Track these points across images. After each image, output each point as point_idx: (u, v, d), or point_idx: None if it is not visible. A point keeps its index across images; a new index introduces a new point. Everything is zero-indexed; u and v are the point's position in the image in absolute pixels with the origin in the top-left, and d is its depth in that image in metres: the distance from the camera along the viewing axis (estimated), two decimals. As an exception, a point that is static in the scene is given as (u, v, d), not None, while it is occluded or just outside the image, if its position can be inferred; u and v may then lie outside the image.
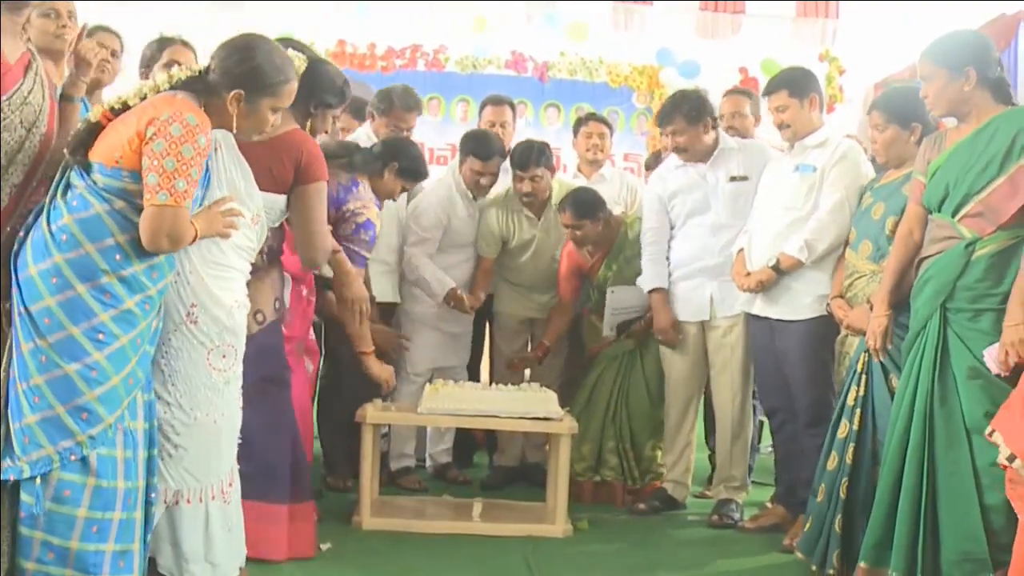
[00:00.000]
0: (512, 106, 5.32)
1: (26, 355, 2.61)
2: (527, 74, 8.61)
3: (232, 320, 2.91)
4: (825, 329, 3.88)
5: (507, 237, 4.82)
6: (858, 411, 3.46)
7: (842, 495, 3.44)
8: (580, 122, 5.30)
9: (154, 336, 2.77)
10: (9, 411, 2.64)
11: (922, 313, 3.17)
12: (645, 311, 4.55)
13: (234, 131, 2.85)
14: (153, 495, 2.79)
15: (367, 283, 4.11)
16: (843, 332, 3.78)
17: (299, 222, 3.28)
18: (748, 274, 4.06)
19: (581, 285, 4.79)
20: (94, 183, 2.65)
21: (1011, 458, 2.75)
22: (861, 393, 3.47)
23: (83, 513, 2.62)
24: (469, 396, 4.12)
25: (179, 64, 3.37)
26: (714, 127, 4.36)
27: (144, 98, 2.74)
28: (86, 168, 2.67)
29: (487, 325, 5.12)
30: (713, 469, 4.67)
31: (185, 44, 3.97)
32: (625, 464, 4.60)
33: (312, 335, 4.08)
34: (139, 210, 2.62)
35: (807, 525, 3.60)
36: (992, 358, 2.98)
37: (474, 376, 5.01)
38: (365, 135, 4.82)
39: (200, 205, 2.78)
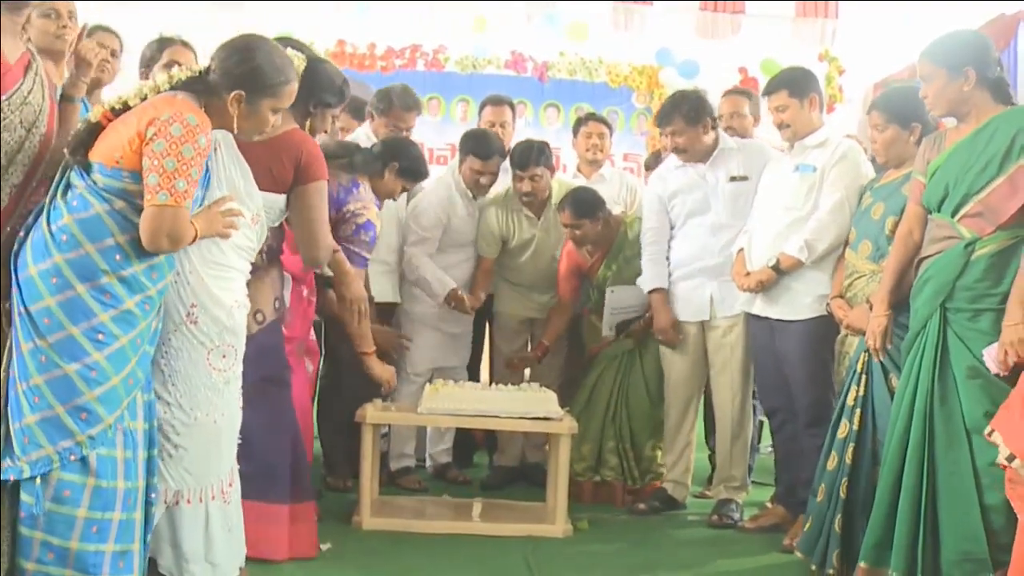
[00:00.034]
0: (512, 106, 5.32)
1: (26, 355, 2.61)
2: (527, 74, 8.61)
3: (232, 320, 2.91)
4: (825, 329, 3.88)
5: (507, 237, 4.82)
6: (858, 411, 3.46)
7: (842, 495, 3.44)
8: (580, 122, 5.30)
9: (154, 336, 2.77)
10: (9, 411, 2.63)
11: (922, 313, 3.17)
12: (644, 311, 4.55)
13: (235, 132, 2.86)
14: (153, 495, 2.79)
15: (366, 284, 4.11)
16: (843, 332, 3.78)
17: (300, 222, 3.28)
18: (748, 274, 4.06)
19: (581, 285, 4.79)
20: (94, 183, 2.65)
21: (1010, 458, 2.75)
22: (861, 393, 3.47)
23: (83, 513, 2.62)
24: (469, 396, 4.12)
25: (179, 64, 3.37)
26: (713, 127, 4.37)
27: (144, 98, 2.74)
28: (86, 168, 2.68)
29: (487, 325, 5.12)
30: (713, 469, 4.67)
31: (185, 44, 3.97)
32: (625, 464, 4.60)
33: (312, 335, 4.08)
34: (139, 210, 2.62)
35: (807, 525, 3.60)
36: (991, 357, 2.98)
37: (474, 376, 5.01)
38: (364, 135, 4.82)
39: (200, 205, 2.78)
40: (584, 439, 4.52)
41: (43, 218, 2.66)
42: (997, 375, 2.97)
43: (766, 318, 4.07)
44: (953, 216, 3.13)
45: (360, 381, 4.21)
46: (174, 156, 2.59)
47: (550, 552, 3.80)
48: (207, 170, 2.80)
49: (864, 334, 3.46)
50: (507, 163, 4.78)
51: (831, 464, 3.53)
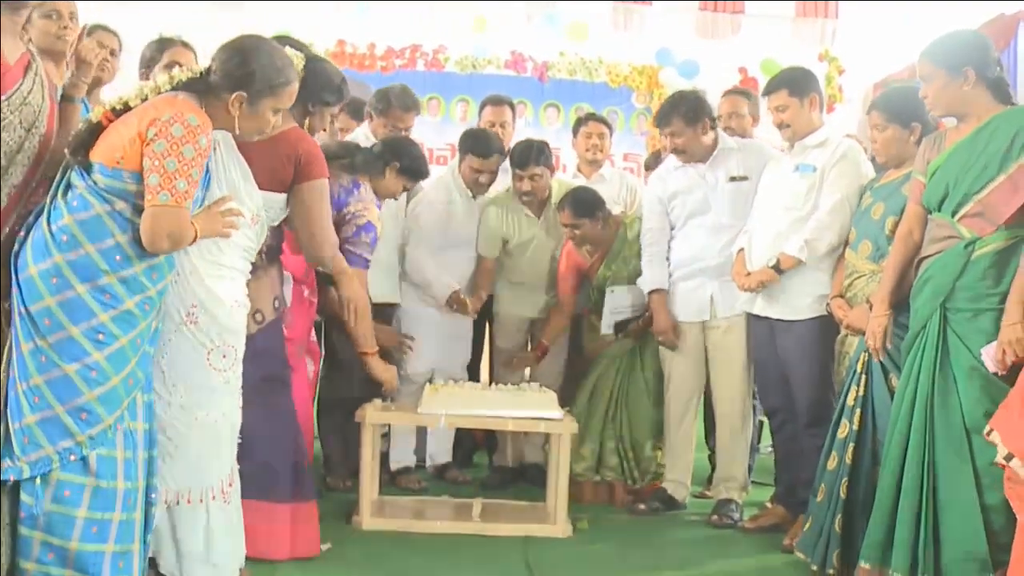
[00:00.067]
0: (512, 106, 5.32)
1: (26, 355, 2.61)
2: (527, 74, 8.61)
3: (232, 320, 2.92)
4: (825, 329, 3.88)
5: (507, 236, 4.81)
6: (858, 411, 3.46)
7: (842, 495, 3.44)
8: (580, 122, 5.30)
9: (154, 336, 2.77)
10: (9, 411, 2.64)
11: (922, 313, 3.17)
12: (643, 311, 4.55)
13: (236, 133, 2.86)
14: (153, 496, 2.80)
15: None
16: (843, 332, 3.78)
17: (302, 220, 3.27)
18: (748, 274, 4.06)
19: (580, 285, 4.79)
20: (95, 183, 2.65)
21: (1008, 457, 2.76)
22: (861, 393, 3.47)
23: (83, 513, 2.63)
24: (469, 396, 4.12)
25: (180, 65, 3.37)
26: (712, 128, 4.37)
27: (145, 99, 2.74)
28: (87, 168, 2.68)
29: (487, 325, 5.12)
30: (713, 469, 4.67)
31: (185, 45, 3.97)
32: (625, 464, 4.60)
33: (314, 335, 4.08)
34: (140, 211, 2.63)
35: (807, 525, 3.61)
36: (989, 357, 2.98)
37: (474, 376, 5.01)
38: (363, 135, 4.82)
39: (200, 206, 2.79)
40: (584, 439, 4.52)
41: (43, 218, 2.66)
42: (996, 374, 2.97)
43: (766, 318, 4.07)
44: (953, 216, 3.13)
45: (360, 381, 4.21)
46: (175, 156, 2.60)
47: (550, 552, 3.80)
48: (207, 170, 2.80)
49: (864, 334, 3.46)
50: (507, 163, 4.78)
51: (831, 464, 3.53)
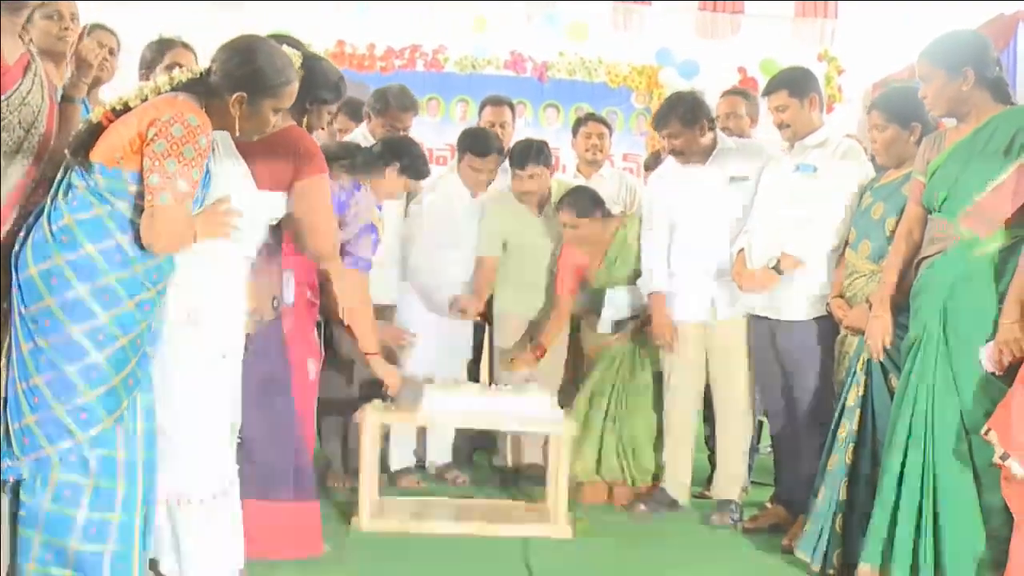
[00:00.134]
0: (511, 106, 5.32)
1: (26, 355, 2.61)
2: (526, 74, 8.62)
3: (232, 320, 2.91)
4: (825, 329, 3.88)
5: (506, 236, 4.81)
6: (858, 411, 3.46)
7: (842, 495, 3.44)
8: (579, 122, 5.30)
9: (154, 337, 2.76)
10: (8, 411, 2.63)
11: (922, 313, 3.17)
12: (641, 310, 4.55)
13: (236, 133, 2.85)
14: (153, 496, 2.79)
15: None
16: (843, 332, 3.78)
17: (304, 217, 3.26)
18: (749, 274, 4.06)
19: (580, 285, 4.79)
20: (95, 184, 2.64)
21: (1005, 456, 2.76)
22: (861, 393, 3.47)
23: (82, 514, 2.62)
24: (468, 397, 4.12)
25: (180, 66, 3.37)
26: (711, 128, 4.36)
27: (145, 99, 2.74)
28: (87, 169, 2.67)
29: (487, 325, 5.12)
30: (713, 469, 4.67)
31: (186, 46, 3.97)
32: (625, 464, 4.59)
33: (316, 336, 4.08)
34: (140, 211, 2.62)
35: (807, 525, 3.61)
36: (987, 357, 2.99)
37: (474, 376, 5.01)
38: (362, 136, 4.82)
39: (200, 206, 2.78)
40: (584, 439, 4.52)
41: (43, 218, 2.66)
42: (995, 374, 2.97)
43: (766, 318, 4.07)
44: (953, 216, 3.13)
45: (360, 382, 4.21)
46: (175, 157, 2.59)
47: (550, 552, 3.80)
48: (207, 171, 2.80)
49: (863, 334, 3.46)
50: (507, 163, 4.78)
51: (831, 464, 3.53)
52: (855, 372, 3.52)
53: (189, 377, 2.86)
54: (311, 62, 3.32)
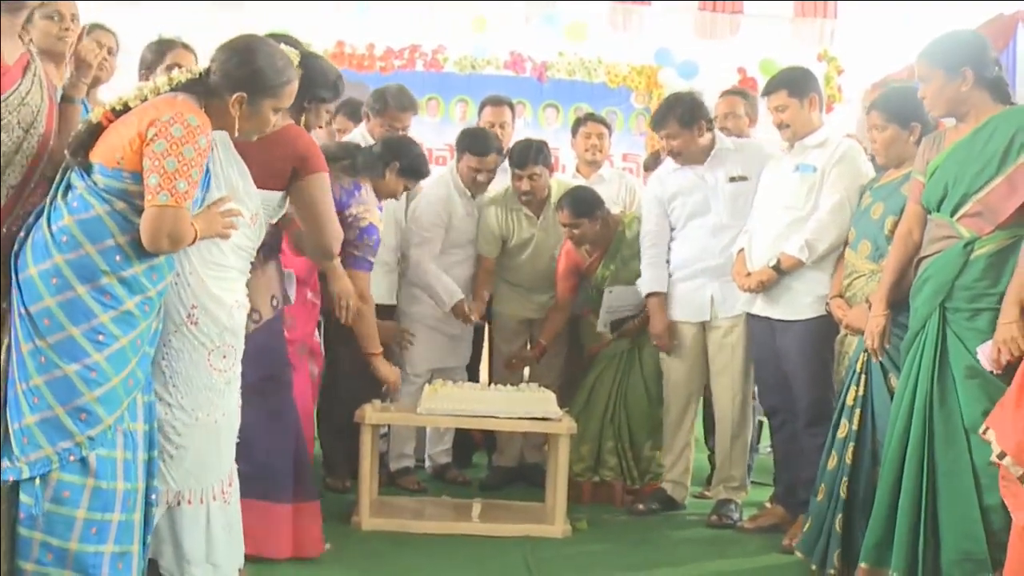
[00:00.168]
0: (511, 106, 5.33)
1: (25, 356, 2.61)
2: (526, 74, 8.61)
3: (232, 320, 2.91)
4: (825, 329, 3.88)
5: (506, 236, 4.82)
6: (858, 411, 3.46)
7: (842, 495, 3.44)
8: (579, 122, 5.31)
9: (154, 337, 2.77)
10: (8, 412, 2.63)
11: (921, 312, 3.17)
12: (640, 310, 4.55)
13: (236, 133, 2.85)
14: (153, 497, 2.79)
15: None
16: (843, 332, 3.78)
17: (306, 215, 3.27)
18: (749, 274, 4.06)
19: (579, 284, 4.79)
20: (95, 184, 2.65)
21: (1002, 455, 2.76)
22: (860, 393, 3.47)
23: (82, 514, 2.62)
24: (468, 396, 4.12)
25: (180, 67, 3.37)
26: (709, 129, 4.36)
27: (145, 100, 2.74)
28: (87, 169, 2.67)
29: (486, 325, 5.12)
30: (713, 469, 4.67)
31: (186, 47, 3.97)
32: (624, 464, 4.60)
33: (317, 337, 4.08)
34: (140, 211, 2.62)
35: (807, 525, 3.61)
36: (985, 356, 2.98)
37: (473, 376, 5.01)
38: (360, 136, 4.82)
39: (200, 206, 2.78)
40: (583, 439, 4.52)
41: (43, 219, 2.66)
42: (994, 374, 2.97)
43: (766, 318, 4.07)
44: (952, 216, 3.13)
45: (359, 381, 4.21)
46: (175, 157, 2.59)
47: (549, 552, 3.80)
48: (207, 171, 2.80)
49: (863, 334, 3.47)
50: (506, 163, 4.78)
51: (831, 464, 3.53)
52: (855, 372, 3.52)
53: (189, 378, 2.86)
54: (309, 61, 3.32)
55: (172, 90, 2.76)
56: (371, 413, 4.03)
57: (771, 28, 8.46)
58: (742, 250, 4.15)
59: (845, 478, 3.45)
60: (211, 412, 2.90)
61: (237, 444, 3.04)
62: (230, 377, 2.94)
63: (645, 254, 4.48)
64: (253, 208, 3.00)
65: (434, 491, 4.61)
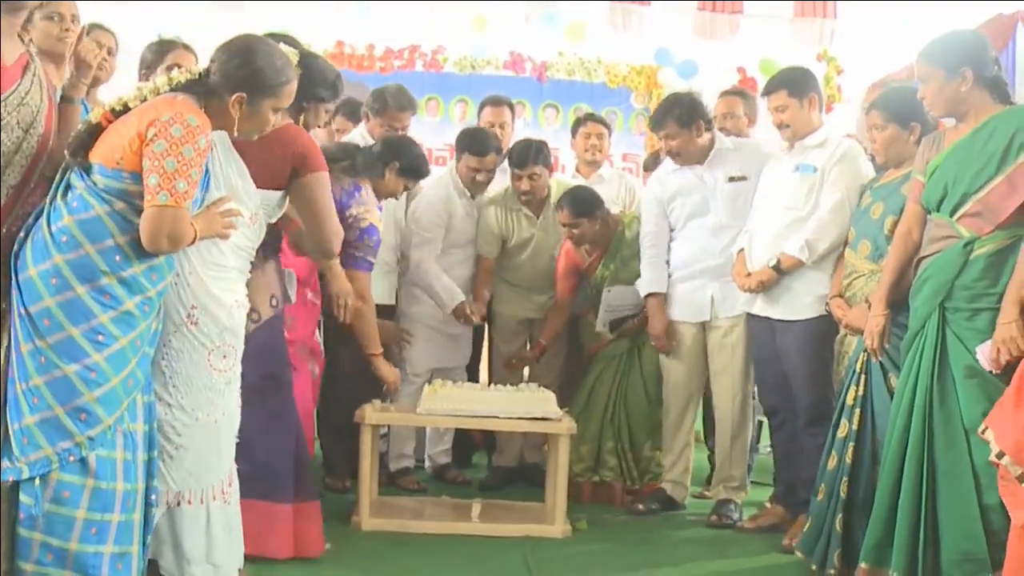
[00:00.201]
0: (511, 106, 5.33)
1: (25, 356, 2.61)
2: (525, 74, 8.60)
3: (232, 320, 2.92)
4: (825, 329, 3.88)
5: (506, 236, 4.82)
6: (857, 411, 3.47)
7: (842, 495, 3.44)
8: (578, 122, 5.31)
9: (154, 337, 2.77)
10: (8, 412, 2.63)
11: (921, 312, 3.17)
12: (639, 310, 4.55)
13: (235, 133, 2.86)
14: (153, 497, 2.79)
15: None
16: (842, 332, 3.78)
17: (306, 214, 3.26)
18: (749, 274, 4.06)
19: (579, 284, 4.79)
20: (94, 184, 2.65)
21: (1000, 455, 2.76)
22: (860, 393, 3.48)
23: (82, 514, 2.62)
24: (468, 397, 4.12)
25: (180, 67, 3.37)
26: (708, 129, 4.36)
27: (144, 100, 2.74)
28: (86, 169, 2.68)
29: (486, 325, 5.12)
30: (712, 469, 4.67)
31: (186, 47, 3.97)
32: (624, 464, 4.60)
33: (318, 337, 4.08)
34: (139, 211, 2.62)
35: (807, 525, 3.61)
36: (985, 355, 2.99)
37: (473, 376, 5.01)
38: (360, 136, 4.82)
39: (199, 206, 2.78)
40: (583, 439, 4.52)
41: (43, 219, 2.66)
42: (994, 374, 2.98)
43: (766, 318, 4.07)
44: (952, 215, 3.13)
45: (359, 382, 4.21)
46: (174, 157, 2.59)
47: (549, 552, 3.80)
48: (206, 171, 2.80)
49: (863, 333, 3.47)
50: (506, 163, 4.78)
51: (831, 464, 3.53)
52: (855, 372, 3.52)
53: (190, 378, 2.86)
54: (308, 60, 3.32)
55: (172, 90, 2.76)
56: (371, 413, 4.03)
57: (771, 28, 8.45)
58: (742, 250, 4.15)
59: (845, 478, 3.45)
60: (211, 412, 2.90)
61: (237, 444, 3.04)
62: (230, 377, 2.94)
63: (645, 254, 4.48)
64: (252, 208, 3.00)
65: (434, 491, 4.61)
